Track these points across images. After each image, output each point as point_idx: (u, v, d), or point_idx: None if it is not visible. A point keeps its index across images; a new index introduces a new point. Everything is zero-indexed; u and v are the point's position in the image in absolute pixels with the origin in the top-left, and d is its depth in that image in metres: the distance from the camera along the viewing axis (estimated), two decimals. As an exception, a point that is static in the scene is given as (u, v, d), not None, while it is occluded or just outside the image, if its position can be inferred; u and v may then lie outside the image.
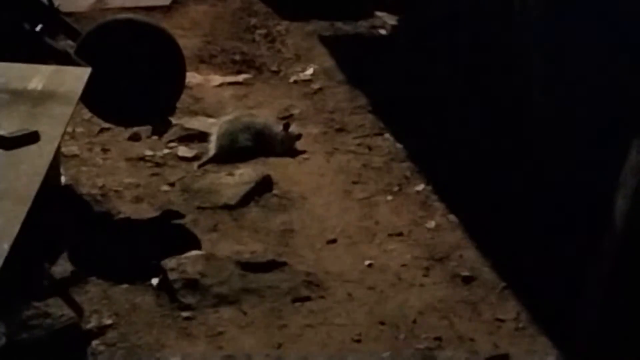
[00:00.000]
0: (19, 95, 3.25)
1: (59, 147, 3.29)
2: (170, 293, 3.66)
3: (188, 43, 5.71)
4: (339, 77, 5.71)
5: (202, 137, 4.87)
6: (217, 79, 5.68)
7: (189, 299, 3.64)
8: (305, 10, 6.50)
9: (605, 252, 3.32)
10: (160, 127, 4.59)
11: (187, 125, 4.98)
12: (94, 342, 3.41)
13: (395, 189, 4.52)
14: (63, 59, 4.01)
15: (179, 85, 4.47)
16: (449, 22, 5.67)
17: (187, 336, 3.48)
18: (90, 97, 3.90)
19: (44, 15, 4.21)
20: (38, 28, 4.11)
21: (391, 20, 6.52)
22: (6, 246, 2.37)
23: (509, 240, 4.03)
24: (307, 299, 3.70)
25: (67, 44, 4.39)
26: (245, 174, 4.51)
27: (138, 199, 4.35)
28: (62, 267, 3.72)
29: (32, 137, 2.93)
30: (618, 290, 3.29)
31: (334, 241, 4.09)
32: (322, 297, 3.72)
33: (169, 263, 3.75)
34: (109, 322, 3.51)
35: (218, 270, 3.75)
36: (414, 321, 3.59)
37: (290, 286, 3.75)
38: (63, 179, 4.36)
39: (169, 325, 3.53)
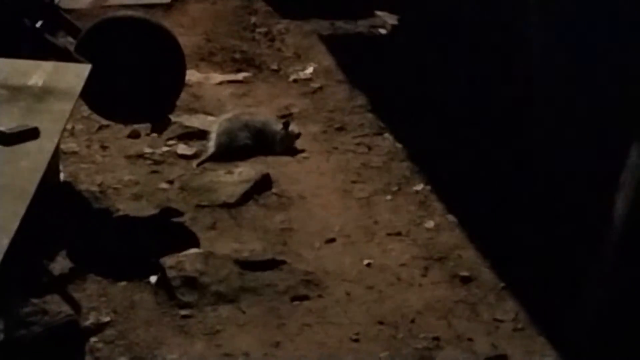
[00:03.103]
0: (19, 92, 3.24)
1: (58, 144, 3.28)
2: (168, 291, 3.65)
3: (188, 41, 5.70)
4: (338, 77, 5.71)
5: (202, 135, 4.87)
6: (217, 77, 5.67)
7: (188, 297, 3.64)
8: (306, 9, 6.50)
9: (605, 253, 3.32)
10: (160, 125, 4.58)
11: (186, 123, 4.98)
12: (92, 339, 3.41)
13: (395, 188, 4.52)
14: (63, 55, 4.00)
15: (179, 83, 4.46)
16: (450, 22, 5.66)
17: (185, 334, 3.48)
18: (89, 94, 3.90)
19: (45, 11, 4.20)
20: (38, 24, 4.09)
21: (391, 19, 6.52)
22: (5, 242, 2.36)
23: (507, 241, 4.03)
24: (306, 297, 3.70)
25: (67, 41, 4.38)
26: (244, 172, 4.51)
27: (137, 197, 4.34)
28: (61, 264, 3.72)
29: (32, 134, 2.92)
30: (618, 291, 3.29)
31: (332, 240, 4.09)
32: (321, 296, 3.72)
33: (168, 261, 3.74)
34: (107, 319, 3.51)
35: (217, 268, 3.75)
36: (413, 321, 3.59)
37: (288, 285, 3.74)
38: (62, 176, 4.35)
39: (167, 323, 3.53)
